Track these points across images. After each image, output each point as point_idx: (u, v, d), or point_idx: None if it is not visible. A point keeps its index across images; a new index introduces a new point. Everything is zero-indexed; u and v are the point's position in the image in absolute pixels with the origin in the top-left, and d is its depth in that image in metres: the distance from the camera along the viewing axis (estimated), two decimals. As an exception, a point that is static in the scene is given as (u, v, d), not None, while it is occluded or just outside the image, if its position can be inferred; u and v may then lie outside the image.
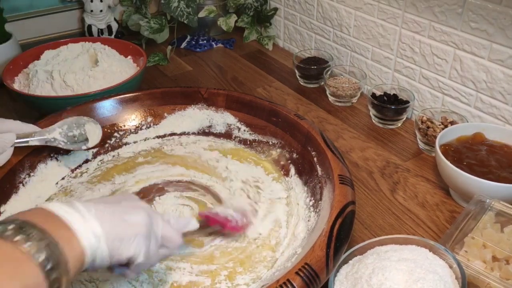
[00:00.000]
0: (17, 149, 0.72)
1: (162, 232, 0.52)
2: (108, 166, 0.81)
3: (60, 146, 0.74)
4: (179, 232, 0.55)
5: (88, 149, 0.78)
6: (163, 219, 0.53)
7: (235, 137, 0.85)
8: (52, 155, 0.78)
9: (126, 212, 0.48)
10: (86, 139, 0.76)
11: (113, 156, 0.83)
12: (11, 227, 0.38)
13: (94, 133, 0.77)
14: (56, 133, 0.74)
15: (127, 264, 0.48)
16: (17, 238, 0.38)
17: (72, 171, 0.79)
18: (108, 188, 0.76)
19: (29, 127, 0.72)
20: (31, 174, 0.75)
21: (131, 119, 0.86)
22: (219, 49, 1.32)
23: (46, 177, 0.76)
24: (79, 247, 0.42)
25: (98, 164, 0.81)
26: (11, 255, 0.37)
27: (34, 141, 0.71)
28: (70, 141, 0.74)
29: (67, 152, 0.79)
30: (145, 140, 0.86)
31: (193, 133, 0.87)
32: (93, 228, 0.43)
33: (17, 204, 0.71)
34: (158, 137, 0.87)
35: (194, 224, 0.59)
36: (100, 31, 1.30)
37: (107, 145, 0.84)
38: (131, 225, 0.47)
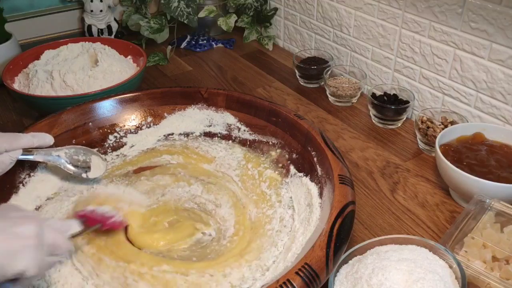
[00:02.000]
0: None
1: (52, 240, 0.49)
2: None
3: (61, 166, 0.74)
4: (66, 237, 0.54)
5: (88, 179, 0.76)
6: (51, 226, 0.51)
7: (235, 137, 0.85)
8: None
9: (14, 224, 0.46)
10: (89, 168, 0.76)
11: (117, 155, 0.84)
12: None
13: (98, 167, 0.77)
14: (62, 152, 0.74)
15: (16, 278, 0.45)
16: None
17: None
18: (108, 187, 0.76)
19: (42, 139, 0.72)
20: (31, 174, 0.75)
21: (131, 119, 0.86)
22: (219, 49, 1.32)
23: (46, 177, 0.76)
24: None
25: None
26: None
27: (38, 158, 0.71)
28: (73, 164, 0.75)
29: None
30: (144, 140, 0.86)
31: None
32: None
33: (17, 204, 0.70)
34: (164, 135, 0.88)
35: (77, 226, 0.59)
36: (100, 31, 1.30)
37: (106, 145, 0.84)
38: (21, 237, 0.45)
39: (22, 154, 0.69)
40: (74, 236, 0.58)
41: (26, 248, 0.45)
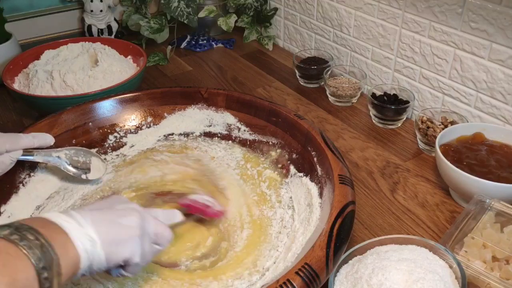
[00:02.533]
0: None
1: (154, 230, 0.52)
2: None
3: (61, 167, 0.74)
4: (168, 226, 0.56)
5: (87, 180, 0.76)
6: (153, 216, 0.54)
7: (235, 137, 0.85)
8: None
9: (120, 215, 0.50)
10: (88, 169, 0.76)
11: (117, 155, 0.84)
12: (8, 229, 0.40)
13: (98, 169, 0.77)
14: (62, 153, 0.74)
15: (123, 265, 0.49)
16: (13, 237, 0.39)
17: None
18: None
19: (42, 139, 0.73)
20: (31, 174, 0.75)
21: (131, 119, 0.86)
22: (219, 49, 1.32)
23: (46, 177, 0.76)
24: (74, 252, 0.43)
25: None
26: (5, 250, 0.38)
27: (38, 159, 0.72)
28: (73, 165, 0.75)
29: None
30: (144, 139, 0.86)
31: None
32: (89, 234, 0.45)
33: (17, 204, 0.71)
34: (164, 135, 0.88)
35: (180, 216, 0.61)
36: (100, 31, 1.30)
37: (106, 145, 0.84)
38: (125, 228, 0.49)
39: (23, 155, 0.69)
40: (176, 225, 0.60)
41: (130, 238, 0.49)
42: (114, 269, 0.50)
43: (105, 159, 0.82)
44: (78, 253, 0.43)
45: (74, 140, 0.81)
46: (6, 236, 0.39)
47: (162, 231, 0.54)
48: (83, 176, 0.76)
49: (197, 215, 0.66)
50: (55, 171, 0.77)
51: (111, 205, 0.52)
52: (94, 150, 0.81)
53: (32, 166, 0.75)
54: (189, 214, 0.64)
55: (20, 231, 0.40)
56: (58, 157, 0.74)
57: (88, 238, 0.45)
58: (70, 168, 0.75)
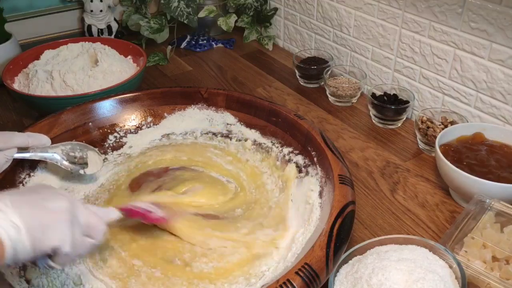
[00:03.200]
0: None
1: (85, 219, 0.49)
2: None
3: (58, 164, 0.73)
4: (103, 219, 0.53)
5: (85, 175, 0.76)
6: (85, 206, 0.51)
7: (235, 137, 0.85)
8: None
9: (46, 199, 0.46)
10: (86, 164, 0.76)
11: (119, 155, 0.84)
12: None
13: (96, 163, 0.77)
14: (58, 150, 0.74)
15: (51, 255, 0.46)
16: None
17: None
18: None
19: (38, 139, 0.72)
20: (31, 174, 0.75)
21: (131, 119, 0.86)
22: (219, 49, 1.32)
23: (46, 177, 0.76)
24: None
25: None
26: None
27: (34, 156, 0.71)
28: (70, 161, 0.74)
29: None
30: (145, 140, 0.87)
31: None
32: (12, 219, 0.41)
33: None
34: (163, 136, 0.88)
35: (116, 213, 0.59)
36: (100, 31, 1.30)
37: (106, 145, 0.84)
38: (52, 212, 0.45)
39: (18, 153, 0.69)
40: (113, 223, 0.58)
41: (58, 223, 0.45)
42: (41, 259, 0.46)
43: (106, 159, 0.82)
44: (2, 242, 0.40)
45: (74, 140, 0.81)
46: None
47: (95, 222, 0.50)
48: (81, 171, 0.75)
49: (137, 219, 0.64)
50: (55, 171, 0.77)
51: (34, 190, 0.48)
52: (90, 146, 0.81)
53: (32, 166, 0.75)
54: (128, 218, 0.62)
55: None
56: (55, 153, 0.73)
57: (11, 224, 0.40)
58: (67, 164, 0.74)
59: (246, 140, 0.83)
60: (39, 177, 0.75)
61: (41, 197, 0.46)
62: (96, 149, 0.80)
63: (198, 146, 0.85)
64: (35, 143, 0.71)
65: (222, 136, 0.86)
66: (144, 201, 0.66)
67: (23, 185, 0.73)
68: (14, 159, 0.69)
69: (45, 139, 0.73)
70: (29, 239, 0.42)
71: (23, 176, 0.74)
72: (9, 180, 0.71)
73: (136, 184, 0.76)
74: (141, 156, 0.83)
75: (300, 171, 0.74)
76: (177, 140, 0.86)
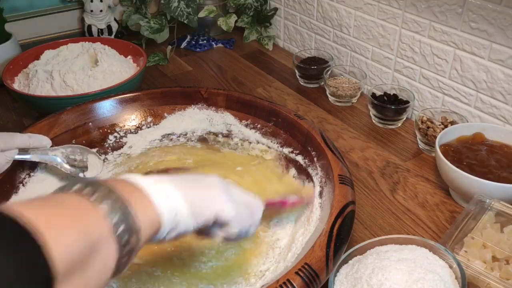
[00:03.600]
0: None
1: (240, 197, 0.49)
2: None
3: (58, 166, 0.74)
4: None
5: (85, 179, 0.76)
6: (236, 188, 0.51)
7: (235, 137, 0.85)
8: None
9: (198, 177, 0.47)
10: (86, 167, 0.76)
11: (119, 155, 0.84)
12: (79, 184, 0.37)
13: (95, 166, 0.77)
14: (58, 152, 0.74)
15: (219, 225, 0.46)
16: (84, 191, 0.36)
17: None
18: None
19: (39, 140, 0.72)
20: (31, 174, 0.75)
21: (131, 119, 0.86)
22: (219, 49, 1.32)
23: (46, 177, 0.76)
24: (152, 206, 0.39)
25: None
26: (75, 203, 0.35)
27: (34, 158, 0.71)
28: (70, 164, 0.75)
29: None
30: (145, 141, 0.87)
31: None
32: (167, 187, 0.41)
33: None
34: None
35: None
36: (100, 31, 1.30)
37: (106, 145, 0.84)
38: (207, 185, 0.46)
39: (18, 154, 0.69)
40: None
41: (215, 194, 0.46)
42: (212, 228, 0.46)
43: (106, 158, 0.82)
44: (156, 208, 0.39)
45: (74, 140, 0.81)
46: (76, 191, 0.36)
47: (249, 199, 0.50)
48: (81, 175, 0.75)
49: (273, 208, 0.62)
50: (55, 171, 0.77)
51: (185, 175, 0.48)
52: (94, 150, 0.81)
53: (32, 167, 0.75)
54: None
55: (92, 185, 0.37)
56: (55, 156, 0.73)
57: (166, 192, 0.41)
58: (67, 166, 0.74)
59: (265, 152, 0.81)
60: (39, 177, 0.75)
61: (193, 176, 0.47)
62: (96, 152, 0.80)
63: (197, 148, 0.85)
64: (35, 144, 0.71)
65: (223, 136, 0.86)
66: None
67: (23, 185, 0.73)
68: (14, 160, 0.69)
69: (46, 140, 0.73)
70: (188, 206, 0.42)
71: (23, 176, 0.74)
72: (9, 180, 0.71)
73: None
74: (142, 157, 0.83)
75: (300, 171, 0.74)
76: (178, 141, 0.86)
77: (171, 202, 0.41)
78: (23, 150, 0.70)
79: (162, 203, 0.40)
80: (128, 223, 0.36)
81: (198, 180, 0.46)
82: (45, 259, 0.29)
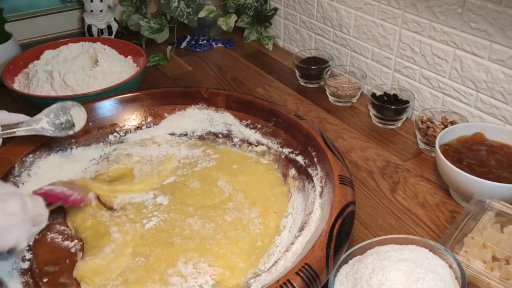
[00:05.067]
0: (18, 149, 0.72)
1: (34, 211, 0.52)
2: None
3: (48, 134, 0.73)
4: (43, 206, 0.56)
5: (74, 134, 0.77)
6: (29, 198, 0.53)
7: (235, 137, 0.85)
8: (51, 154, 0.78)
9: (2, 200, 0.48)
10: (73, 125, 0.76)
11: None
12: None
13: (80, 117, 0.77)
14: (44, 122, 0.74)
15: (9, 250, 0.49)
16: None
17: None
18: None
19: (18, 117, 0.71)
20: (30, 174, 0.75)
21: (131, 119, 0.86)
22: (219, 49, 1.32)
23: (47, 176, 0.76)
24: None
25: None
26: None
27: (21, 132, 0.70)
28: (58, 129, 0.74)
29: (65, 150, 0.79)
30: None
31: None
32: None
33: None
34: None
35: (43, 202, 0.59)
36: (100, 31, 1.30)
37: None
38: (10, 214, 0.47)
39: (3, 130, 0.68)
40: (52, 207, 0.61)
41: (15, 225, 0.48)
42: (1, 254, 0.50)
43: (82, 107, 0.81)
44: None
45: (73, 140, 0.81)
46: None
47: (40, 211, 0.54)
48: (70, 133, 0.76)
49: (57, 203, 0.64)
50: (53, 168, 0.77)
51: None
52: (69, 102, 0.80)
53: (31, 166, 0.75)
54: (49, 203, 0.62)
55: None
56: (42, 127, 0.73)
57: None
58: (57, 132, 0.74)
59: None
60: (40, 176, 0.75)
61: None
62: (75, 103, 0.79)
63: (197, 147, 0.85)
64: (16, 118, 0.71)
65: (223, 136, 0.86)
66: (54, 185, 0.66)
67: (23, 184, 0.73)
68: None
69: (24, 118, 0.72)
70: None
71: (23, 176, 0.73)
72: (9, 180, 0.71)
73: None
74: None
75: (300, 171, 0.74)
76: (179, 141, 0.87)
77: None
78: (7, 127, 0.69)
79: None
80: None
81: (2, 204, 0.48)
82: None
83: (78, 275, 0.60)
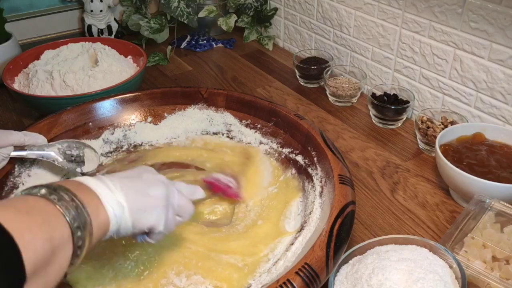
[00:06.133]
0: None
1: (178, 202, 0.55)
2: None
3: (55, 163, 0.73)
4: (191, 200, 0.58)
5: (82, 173, 0.76)
6: (177, 190, 0.56)
7: (235, 137, 0.85)
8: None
9: (147, 185, 0.52)
10: (83, 162, 0.76)
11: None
12: (46, 189, 0.42)
13: (92, 160, 0.77)
14: (55, 148, 0.74)
15: (147, 232, 0.52)
16: (52, 197, 0.41)
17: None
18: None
19: (34, 138, 0.72)
20: (30, 174, 0.75)
21: (131, 119, 0.86)
22: (219, 49, 1.32)
23: (47, 176, 0.76)
24: (105, 215, 0.46)
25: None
26: (44, 209, 0.40)
27: (31, 155, 0.71)
28: (67, 159, 0.74)
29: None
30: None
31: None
32: (119, 200, 0.47)
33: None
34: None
35: (202, 193, 0.62)
36: (100, 31, 1.30)
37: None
38: (152, 197, 0.51)
39: (14, 151, 0.69)
40: (197, 201, 0.63)
41: (156, 207, 0.52)
42: (139, 235, 0.53)
43: (97, 152, 0.81)
44: (108, 217, 0.46)
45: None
46: (44, 195, 0.41)
47: (185, 204, 0.57)
48: (78, 170, 0.75)
49: (218, 194, 0.69)
50: (54, 170, 0.77)
51: (139, 174, 0.54)
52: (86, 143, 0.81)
53: (31, 167, 0.75)
54: (211, 192, 0.68)
55: (58, 191, 0.42)
56: (51, 152, 0.73)
57: (118, 203, 0.47)
58: (64, 162, 0.74)
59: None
60: (39, 177, 0.75)
61: (144, 184, 0.52)
62: (92, 147, 0.80)
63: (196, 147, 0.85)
64: (31, 141, 0.71)
65: (223, 136, 0.86)
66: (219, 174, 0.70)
67: (23, 184, 0.73)
68: (11, 157, 0.69)
69: (41, 138, 0.73)
70: (131, 218, 0.48)
71: (23, 176, 0.73)
72: (9, 180, 0.71)
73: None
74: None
75: (300, 171, 0.74)
76: (179, 142, 0.87)
77: (119, 212, 0.47)
78: (19, 148, 0.70)
79: (112, 213, 0.46)
80: (85, 229, 0.42)
81: (147, 189, 0.52)
82: (19, 262, 0.34)
83: (71, 279, 0.60)
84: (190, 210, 0.58)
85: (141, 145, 0.86)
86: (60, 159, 0.74)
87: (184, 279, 0.60)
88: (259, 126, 0.83)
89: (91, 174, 0.77)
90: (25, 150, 0.71)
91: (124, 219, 0.48)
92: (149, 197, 0.51)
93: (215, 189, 0.68)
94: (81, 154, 0.76)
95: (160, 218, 0.52)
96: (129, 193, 0.49)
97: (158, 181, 0.54)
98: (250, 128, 0.84)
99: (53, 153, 0.73)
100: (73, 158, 0.75)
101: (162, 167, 0.80)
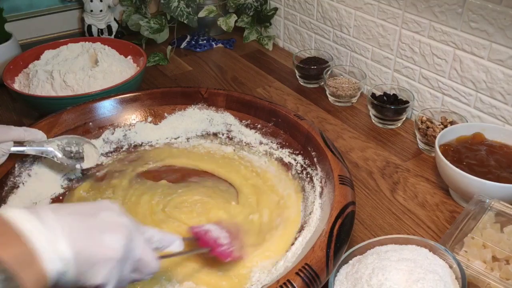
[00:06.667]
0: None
1: (140, 255, 0.45)
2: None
3: (54, 159, 0.73)
4: (157, 257, 0.49)
5: (82, 170, 0.76)
6: (144, 238, 0.47)
7: (235, 137, 0.85)
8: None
9: (103, 230, 0.42)
10: (82, 158, 0.76)
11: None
12: None
13: (92, 156, 0.77)
14: (54, 145, 0.74)
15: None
16: None
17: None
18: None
19: (33, 134, 0.72)
20: (30, 174, 0.75)
21: (131, 119, 0.86)
22: (219, 49, 1.32)
23: (46, 177, 0.76)
24: (41, 272, 0.36)
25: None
26: None
27: (30, 151, 0.71)
28: (66, 156, 0.74)
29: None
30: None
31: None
32: (62, 251, 0.38)
33: (16, 204, 0.71)
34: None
35: (179, 245, 0.53)
36: (100, 31, 1.30)
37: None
38: (105, 247, 0.41)
39: (14, 147, 0.69)
40: (168, 256, 0.54)
41: (108, 262, 0.41)
42: None
43: (97, 148, 0.81)
44: (45, 274, 0.37)
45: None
46: None
47: (148, 260, 0.46)
48: (77, 166, 0.75)
49: (203, 250, 0.59)
50: (55, 170, 0.77)
51: (95, 213, 0.43)
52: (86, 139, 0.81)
53: (32, 166, 0.75)
54: (195, 244, 0.58)
55: None
56: (51, 148, 0.73)
57: (59, 257, 0.37)
58: (64, 158, 0.74)
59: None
60: (39, 177, 0.75)
61: (99, 227, 0.42)
62: (92, 143, 0.80)
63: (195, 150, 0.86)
64: (30, 137, 0.71)
65: (225, 137, 0.86)
66: (213, 224, 0.60)
67: (23, 184, 0.73)
68: (11, 156, 0.69)
69: (40, 134, 0.73)
70: (74, 273, 0.39)
71: (23, 176, 0.74)
72: (9, 180, 0.72)
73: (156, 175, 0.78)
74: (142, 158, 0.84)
75: (300, 171, 0.75)
76: (180, 143, 0.87)
77: (61, 267, 0.38)
78: (18, 143, 0.70)
79: (51, 268, 0.37)
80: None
81: (103, 234, 0.42)
82: None
83: None
84: (152, 268, 0.47)
85: (141, 145, 0.86)
86: (60, 155, 0.74)
87: (176, 284, 0.59)
88: (259, 126, 0.83)
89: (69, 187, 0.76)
90: (25, 146, 0.70)
91: (65, 275, 0.38)
92: (102, 247, 0.41)
93: (201, 243, 0.58)
94: (80, 151, 0.76)
95: (112, 276, 0.41)
96: (77, 238, 0.39)
97: (118, 226, 0.43)
98: (250, 128, 0.84)
99: (52, 149, 0.73)
100: (72, 155, 0.75)
101: (166, 171, 0.80)
